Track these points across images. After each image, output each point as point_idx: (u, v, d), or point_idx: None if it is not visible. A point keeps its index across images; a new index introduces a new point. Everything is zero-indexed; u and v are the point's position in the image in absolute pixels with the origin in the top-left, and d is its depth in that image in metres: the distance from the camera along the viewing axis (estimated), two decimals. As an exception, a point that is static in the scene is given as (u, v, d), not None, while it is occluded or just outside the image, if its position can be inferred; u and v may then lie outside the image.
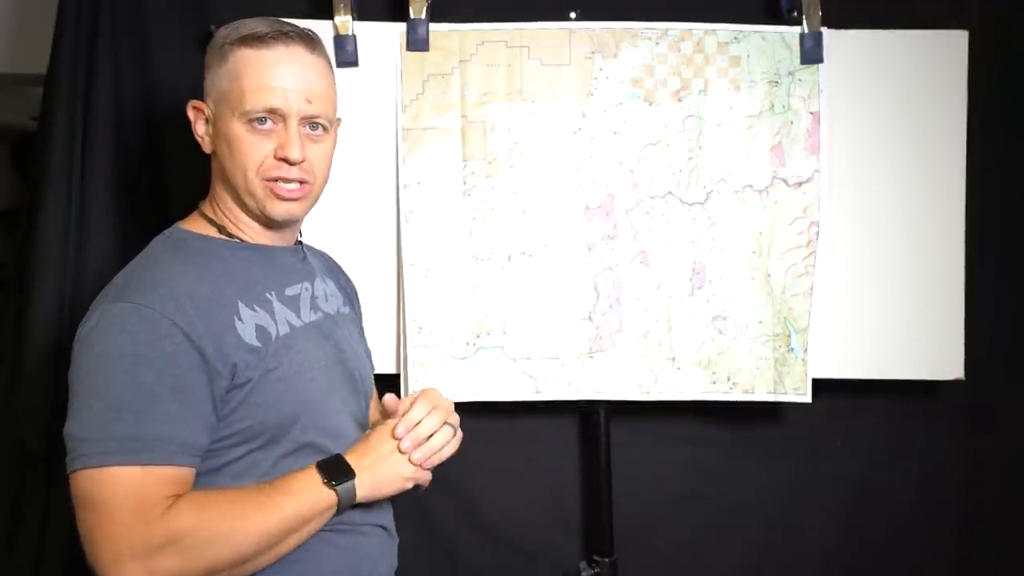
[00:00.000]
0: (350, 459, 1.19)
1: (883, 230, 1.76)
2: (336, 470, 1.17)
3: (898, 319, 1.76)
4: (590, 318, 1.71)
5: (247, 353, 1.15)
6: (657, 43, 1.70)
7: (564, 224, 1.71)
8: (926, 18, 1.76)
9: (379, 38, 1.67)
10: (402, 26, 1.67)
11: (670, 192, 1.72)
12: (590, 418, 1.79)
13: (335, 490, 1.16)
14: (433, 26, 1.67)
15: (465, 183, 1.69)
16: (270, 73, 1.20)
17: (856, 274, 1.76)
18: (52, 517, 1.64)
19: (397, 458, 1.21)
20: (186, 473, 1.10)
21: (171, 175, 1.70)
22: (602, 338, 1.71)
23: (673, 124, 1.71)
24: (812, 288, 1.73)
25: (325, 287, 1.37)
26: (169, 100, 1.70)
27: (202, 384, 1.11)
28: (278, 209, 1.23)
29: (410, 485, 1.23)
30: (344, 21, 1.65)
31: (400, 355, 1.69)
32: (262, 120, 1.20)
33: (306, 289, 1.31)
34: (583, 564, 1.78)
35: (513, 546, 1.84)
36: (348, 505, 1.18)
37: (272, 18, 1.24)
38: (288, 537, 1.13)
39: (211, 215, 1.27)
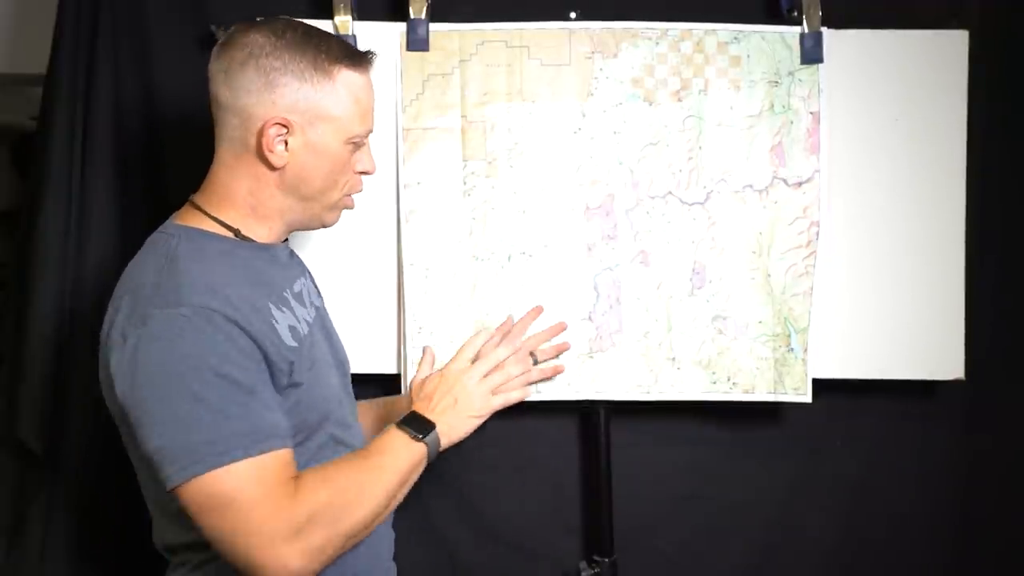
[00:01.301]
0: (423, 413, 1.31)
1: (883, 230, 1.76)
2: (417, 425, 1.27)
3: (898, 319, 1.76)
4: (590, 318, 1.71)
5: (291, 353, 1.17)
6: (657, 43, 1.70)
7: (564, 224, 1.71)
8: (926, 18, 1.76)
9: (379, 38, 1.66)
10: (402, 26, 1.67)
11: (670, 192, 1.72)
12: (590, 418, 1.78)
13: (424, 442, 1.25)
14: (433, 26, 1.67)
15: (465, 183, 1.69)
16: (370, 97, 1.27)
17: (856, 274, 1.76)
18: (53, 517, 1.63)
19: (463, 403, 1.37)
20: (293, 455, 1.14)
21: (171, 175, 1.70)
22: (602, 338, 1.71)
23: (673, 124, 1.71)
24: (812, 288, 1.72)
25: (309, 282, 1.39)
26: (169, 100, 1.70)
27: (268, 377, 1.15)
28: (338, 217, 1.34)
29: (480, 422, 1.39)
30: (344, 21, 1.65)
31: (400, 355, 1.69)
32: (360, 142, 1.26)
33: (303, 285, 1.33)
34: (583, 564, 1.78)
35: (513, 546, 1.83)
36: (435, 454, 1.28)
37: (328, 32, 1.27)
38: (398, 493, 1.22)
39: (219, 215, 1.23)
